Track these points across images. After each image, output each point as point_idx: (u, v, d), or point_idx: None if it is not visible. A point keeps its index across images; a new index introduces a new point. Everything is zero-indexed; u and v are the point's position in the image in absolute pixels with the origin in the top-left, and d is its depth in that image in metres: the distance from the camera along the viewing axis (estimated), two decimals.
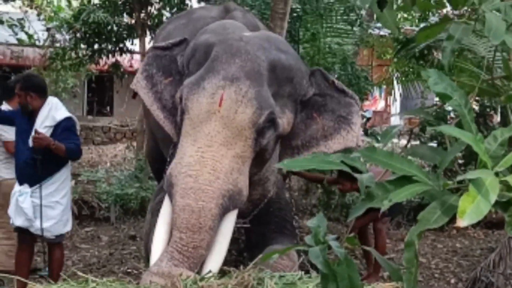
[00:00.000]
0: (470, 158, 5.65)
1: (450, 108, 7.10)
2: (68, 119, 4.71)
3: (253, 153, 3.74)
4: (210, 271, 3.37)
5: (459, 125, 1.57)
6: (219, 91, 3.67)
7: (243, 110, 3.64)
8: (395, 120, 16.65)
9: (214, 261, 3.56)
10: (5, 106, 5.25)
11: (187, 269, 3.34)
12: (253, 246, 4.49)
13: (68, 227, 4.88)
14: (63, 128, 4.66)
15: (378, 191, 1.49)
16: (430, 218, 1.38)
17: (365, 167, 1.79)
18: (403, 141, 11.33)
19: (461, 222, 1.21)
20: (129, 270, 5.75)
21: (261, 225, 4.34)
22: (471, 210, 1.21)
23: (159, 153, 5.11)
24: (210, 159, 3.56)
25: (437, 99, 10.56)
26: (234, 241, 6.74)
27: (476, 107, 7.50)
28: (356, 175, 1.82)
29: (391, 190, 1.45)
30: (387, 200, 1.41)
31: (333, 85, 4.21)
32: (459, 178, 1.39)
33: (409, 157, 1.68)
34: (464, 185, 1.42)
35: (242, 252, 6.19)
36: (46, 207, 4.61)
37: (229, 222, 3.68)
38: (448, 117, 7.09)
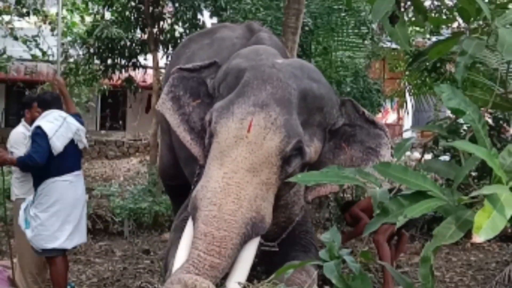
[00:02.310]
0: (484, 171, 5.62)
1: (463, 121, 7.06)
2: (35, 127, 4.69)
3: (278, 180, 3.73)
4: (225, 286, 3.38)
5: (473, 139, 1.57)
6: (248, 117, 3.66)
7: (271, 137, 3.64)
8: (407, 133, 16.62)
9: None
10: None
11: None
12: (273, 264, 4.48)
13: (52, 244, 4.73)
14: (30, 137, 4.71)
15: (393, 206, 1.49)
16: (445, 233, 1.38)
17: (379, 182, 1.80)
18: (416, 154, 11.31)
19: (478, 238, 1.21)
20: (142, 285, 5.74)
21: (284, 245, 4.32)
22: (487, 225, 1.22)
23: (176, 171, 5.12)
24: (235, 186, 3.56)
25: (449, 112, 10.53)
26: None
27: (489, 119, 7.47)
28: (370, 190, 1.82)
29: (406, 205, 1.46)
30: (402, 216, 1.41)
31: (363, 115, 4.18)
32: (474, 193, 1.39)
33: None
34: (478, 200, 1.43)
35: (255, 266, 6.19)
36: (30, 217, 4.72)
37: (250, 250, 3.67)
38: (461, 129, 7.07)
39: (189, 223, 3.76)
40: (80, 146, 4.85)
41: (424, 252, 1.43)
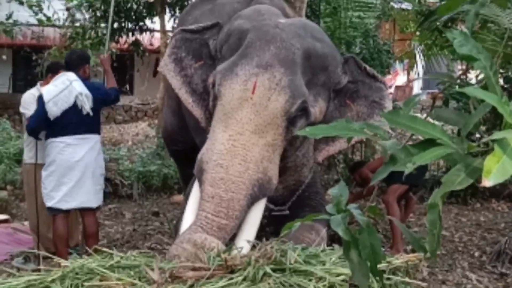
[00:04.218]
0: (493, 124, 5.58)
1: (473, 81, 7.00)
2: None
3: (284, 141, 3.74)
4: (233, 245, 3.39)
5: (484, 88, 1.54)
6: (252, 78, 3.65)
7: (276, 98, 3.63)
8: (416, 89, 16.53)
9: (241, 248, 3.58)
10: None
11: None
12: (282, 225, 4.48)
13: (48, 203, 4.84)
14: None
15: (401, 154, 1.47)
16: (454, 180, 1.36)
17: (388, 134, 1.77)
18: (425, 116, 11.24)
19: (487, 182, 1.19)
20: (152, 246, 5.80)
21: (295, 208, 4.33)
22: (496, 169, 1.19)
23: (183, 135, 5.10)
24: (241, 147, 3.56)
25: (460, 73, 10.41)
26: None
27: (500, 80, 7.38)
28: (380, 141, 1.80)
29: (414, 154, 1.43)
30: (410, 163, 1.39)
31: (365, 71, 4.20)
32: (484, 140, 1.37)
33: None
34: (488, 148, 1.40)
35: (264, 227, 6.21)
36: None
37: (257, 211, 3.69)
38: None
39: (195, 186, 3.77)
40: (83, 111, 4.81)
41: (432, 198, 1.41)
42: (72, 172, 4.79)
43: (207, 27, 4.38)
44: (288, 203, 4.25)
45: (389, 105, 4.16)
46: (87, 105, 4.79)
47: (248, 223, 3.64)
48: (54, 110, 4.72)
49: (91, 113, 4.82)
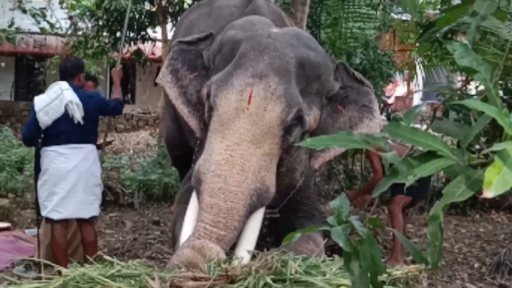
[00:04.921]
0: (493, 136, 5.60)
1: (473, 92, 7.02)
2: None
3: (280, 150, 3.77)
4: (234, 254, 3.40)
5: (484, 100, 1.56)
6: (247, 88, 3.67)
7: (272, 107, 3.65)
8: (416, 100, 16.54)
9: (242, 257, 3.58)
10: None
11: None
12: (279, 234, 4.50)
13: (42, 212, 4.81)
14: None
15: (402, 166, 1.48)
16: (455, 192, 1.37)
17: (388, 147, 1.78)
18: (425, 127, 11.26)
19: (488, 193, 1.20)
20: (153, 255, 5.80)
21: (288, 212, 4.35)
22: (497, 181, 1.21)
23: (181, 141, 5.13)
24: (238, 157, 3.58)
25: (459, 84, 10.41)
26: None
27: (500, 91, 7.41)
28: (380, 153, 1.81)
29: (415, 166, 1.45)
30: (411, 175, 1.41)
31: (353, 76, 4.29)
32: (484, 151, 1.38)
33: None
34: (489, 160, 1.41)
35: (265, 237, 6.22)
36: None
37: (256, 220, 3.71)
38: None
39: (194, 197, 3.78)
40: (74, 120, 4.77)
41: (433, 210, 1.42)
42: (64, 182, 4.74)
43: (201, 38, 4.43)
44: (279, 207, 4.27)
45: (376, 107, 4.29)
46: (77, 114, 4.76)
47: (248, 232, 3.66)
48: (45, 119, 4.71)
49: (81, 122, 4.78)
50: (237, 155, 3.59)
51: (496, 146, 1.27)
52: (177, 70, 4.39)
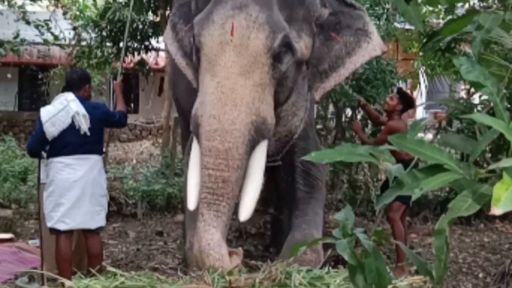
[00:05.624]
0: (498, 150, 5.58)
1: (476, 102, 7.01)
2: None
3: (272, 80, 3.71)
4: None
5: (491, 114, 1.55)
6: (228, 20, 3.63)
7: (256, 35, 3.60)
8: (421, 114, 16.50)
9: (250, 195, 3.61)
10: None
11: (226, 210, 3.43)
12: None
13: (48, 223, 4.77)
14: None
15: (408, 179, 1.47)
16: (461, 206, 1.37)
17: (393, 159, 1.78)
18: (429, 135, 11.25)
19: (496, 210, 1.20)
20: (156, 266, 5.79)
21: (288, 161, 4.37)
22: (505, 197, 1.20)
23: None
24: (230, 92, 3.55)
25: (463, 93, 10.40)
26: (260, 236, 6.79)
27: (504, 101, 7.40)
28: (386, 166, 1.80)
29: (421, 178, 1.44)
30: (418, 189, 1.40)
31: (342, 1, 4.21)
32: (491, 167, 1.38)
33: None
34: (495, 174, 1.41)
35: (268, 247, 6.21)
36: None
37: (260, 154, 3.69)
38: (475, 110, 7.00)
39: (194, 142, 3.75)
40: (81, 131, 4.77)
41: (438, 224, 1.42)
42: (70, 193, 4.72)
43: None
44: (281, 153, 4.24)
45: (373, 30, 4.17)
46: (84, 125, 4.77)
47: (253, 167, 3.64)
48: (51, 130, 4.71)
49: (88, 133, 4.79)
50: (227, 90, 3.55)
51: (504, 162, 1.26)
52: (175, 24, 4.42)
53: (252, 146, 3.59)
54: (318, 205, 4.59)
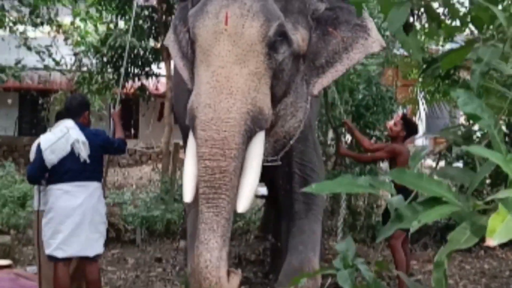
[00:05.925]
0: (498, 179, 5.58)
1: (476, 128, 7.02)
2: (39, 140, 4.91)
3: (268, 70, 3.68)
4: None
5: (488, 145, 1.57)
6: (222, 10, 3.61)
7: (250, 24, 3.58)
8: (419, 141, 16.53)
9: (248, 186, 3.56)
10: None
11: (225, 203, 3.39)
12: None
13: (47, 250, 4.77)
14: None
15: (407, 212, 1.49)
16: (460, 238, 1.38)
17: (394, 190, 1.79)
18: (428, 161, 11.26)
19: (491, 241, 1.21)
20: None
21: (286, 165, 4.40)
22: (501, 229, 1.21)
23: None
24: (225, 81, 3.51)
25: (462, 119, 10.44)
26: (259, 263, 6.77)
27: (503, 127, 7.42)
28: (386, 198, 1.81)
29: (420, 211, 1.45)
30: (416, 221, 1.41)
31: None
32: (489, 198, 1.39)
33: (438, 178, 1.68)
34: (494, 206, 1.42)
35: (267, 274, 6.18)
36: None
37: (257, 144, 3.65)
38: (474, 136, 7.01)
39: (190, 136, 3.72)
40: (81, 158, 4.79)
41: (438, 257, 1.43)
42: (69, 219, 4.72)
43: None
44: (280, 154, 4.19)
45: (371, 26, 4.12)
46: (83, 152, 4.78)
47: (250, 157, 3.60)
48: (51, 158, 4.72)
49: (87, 160, 4.80)
50: (223, 79, 3.52)
51: (500, 194, 1.27)
52: (176, 27, 4.45)
53: (249, 137, 3.55)
54: (315, 219, 4.58)
